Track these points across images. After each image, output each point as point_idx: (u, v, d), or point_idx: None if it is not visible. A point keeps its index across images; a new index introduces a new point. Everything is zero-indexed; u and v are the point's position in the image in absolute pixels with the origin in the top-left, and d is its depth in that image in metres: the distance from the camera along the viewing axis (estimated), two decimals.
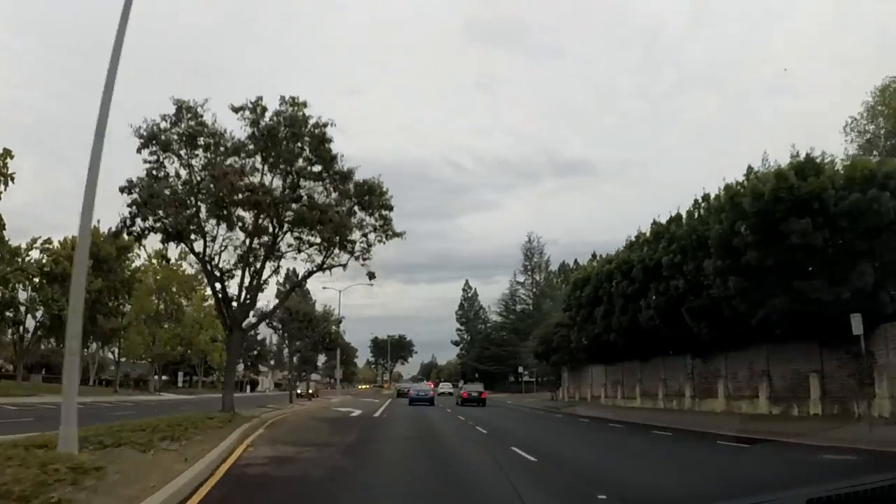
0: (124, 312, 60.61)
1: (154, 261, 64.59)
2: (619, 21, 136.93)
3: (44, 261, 52.01)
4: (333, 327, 45.71)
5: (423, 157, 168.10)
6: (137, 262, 62.31)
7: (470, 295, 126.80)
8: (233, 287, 23.85)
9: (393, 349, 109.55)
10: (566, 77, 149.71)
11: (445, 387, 71.98)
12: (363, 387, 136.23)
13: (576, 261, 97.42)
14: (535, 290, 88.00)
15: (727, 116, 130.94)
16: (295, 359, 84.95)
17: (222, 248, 23.78)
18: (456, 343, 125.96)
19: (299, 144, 22.22)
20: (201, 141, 22.39)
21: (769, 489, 6.13)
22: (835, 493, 3.21)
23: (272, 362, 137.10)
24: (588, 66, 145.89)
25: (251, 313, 25.35)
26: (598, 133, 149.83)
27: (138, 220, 22.05)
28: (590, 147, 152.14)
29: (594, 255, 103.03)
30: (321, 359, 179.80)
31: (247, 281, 23.72)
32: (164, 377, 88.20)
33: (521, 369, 63.82)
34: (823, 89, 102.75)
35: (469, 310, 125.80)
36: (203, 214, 21.87)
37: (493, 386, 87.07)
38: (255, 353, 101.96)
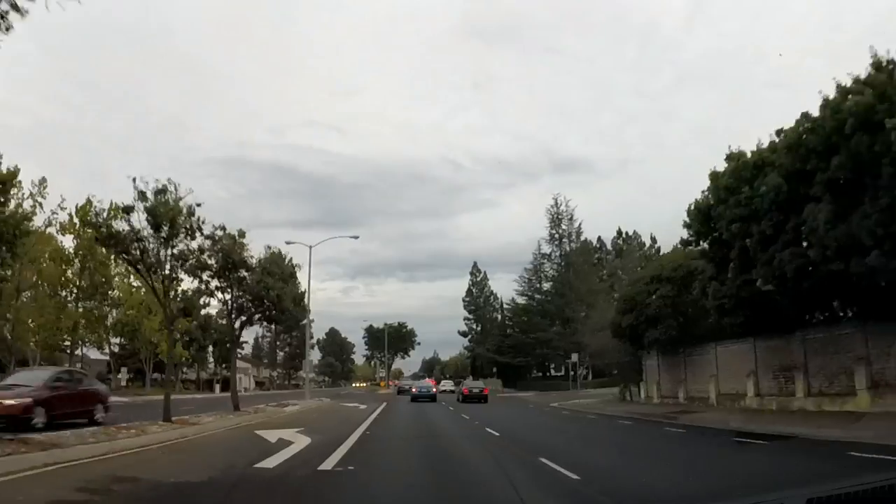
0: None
1: (64, 213, 45.98)
2: (615, 18, 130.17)
3: None
4: (280, 284, 25.47)
5: (420, 156, 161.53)
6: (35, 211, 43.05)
7: (479, 279, 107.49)
8: None
9: (391, 341, 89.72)
10: (563, 75, 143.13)
11: (447, 384, 69.25)
12: (358, 385, 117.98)
13: (599, 238, 78.76)
14: (563, 263, 68.84)
15: (725, 113, 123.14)
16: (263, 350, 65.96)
17: None
18: (464, 334, 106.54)
19: None
20: None
21: None
22: (835, 493, 3.04)
23: (265, 360, 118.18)
24: (585, 64, 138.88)
25: None
26: (596, 131, 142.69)
27: None
28: (588, 145, 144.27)
29: (619, 232, 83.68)
30: (316, 355, 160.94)
31: None
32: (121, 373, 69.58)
33: (574, 357, 44.70)
34: (821, 84, 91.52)
35: (478, 296, 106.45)
36: None
37: (514, 382, 67.72)
38: (227, 344, 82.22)
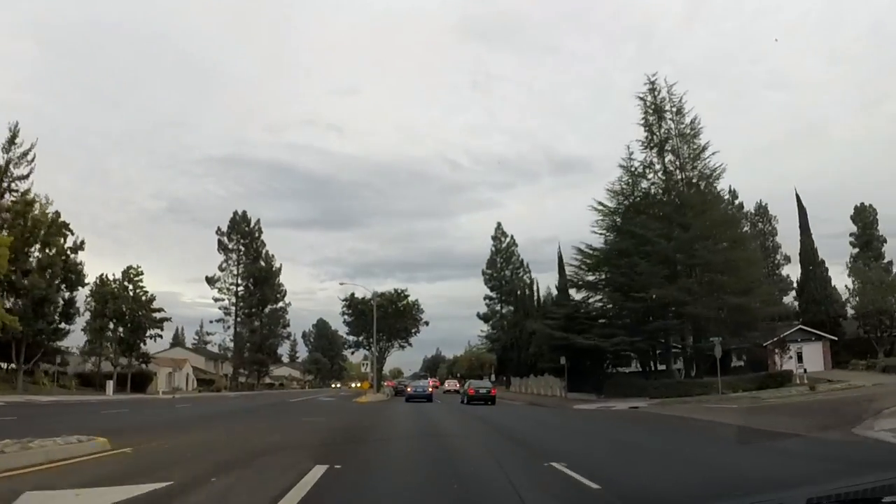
0: None
1: None
2: (613, 18, 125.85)
3: None
4: None
5: (420, 155, 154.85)
6: None
7: (504, 245, 77.05)
8: None
9: (387, 319, 57.74)
10: (561, 74, 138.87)
11: (451, 384, 61.94)
12: (338, 385, 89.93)
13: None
14: (682, 177, 38.19)
15: (724, 112, 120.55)
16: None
17: None
18: (485, 318, 76.00)
19: None
20: None
21: None
22: (835, 492, 2.91)
23: (228, 351, 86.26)
24: (583, 63, 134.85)
25: None
26: (594, 131, 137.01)
27: None
28: (586, 145, 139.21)
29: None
30: (302, 350, 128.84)
31: None
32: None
33: None
34: (820, 84, 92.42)
35: (503, 267, 75.89)
36: None
37: (590, 382, 37.11)
38: (130, 324, 51.45)
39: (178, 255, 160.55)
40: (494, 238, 76.62)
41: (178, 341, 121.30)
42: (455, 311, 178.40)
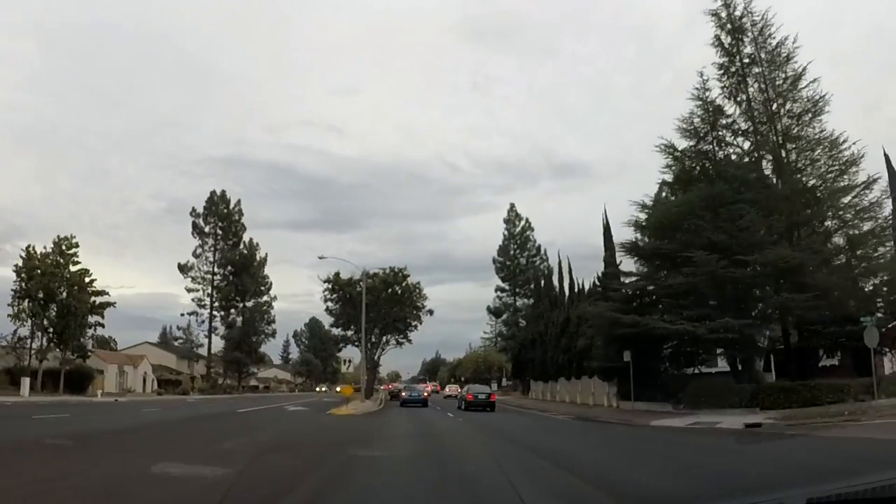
0: None
1: None
2: (613, 19, 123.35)
3: None
4: None
5: (419, 157, 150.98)
6: None
7: (517, 230, 66.62)
8: None
9: (380, 305, 46.22)
10: (561, 76, 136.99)
11: (452, 389, 58.86)
12: (322, 390, 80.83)
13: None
14: (774, 110, 27.59)
15: None
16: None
17: None
18: (496, 312, 65.46)
19: None
20: None
21: None
22: (835, 492, 2.75)
23: (199, 347, 74.84)
24: (583, 65, 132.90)
25: None
26: (594, 133, 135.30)
27: None
28: (586, 147, 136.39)
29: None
30: (296, 352, 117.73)
31: None
32: None
33: None
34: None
35: (517, 254, 65.44)
36: None
37: (674, 388, 26.25)
38: (69, 304, 40.60)
39: (178, 256, 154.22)
40: (507, 221, 66.25)
41: (165, 341, 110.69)
42: (455, 315, 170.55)
